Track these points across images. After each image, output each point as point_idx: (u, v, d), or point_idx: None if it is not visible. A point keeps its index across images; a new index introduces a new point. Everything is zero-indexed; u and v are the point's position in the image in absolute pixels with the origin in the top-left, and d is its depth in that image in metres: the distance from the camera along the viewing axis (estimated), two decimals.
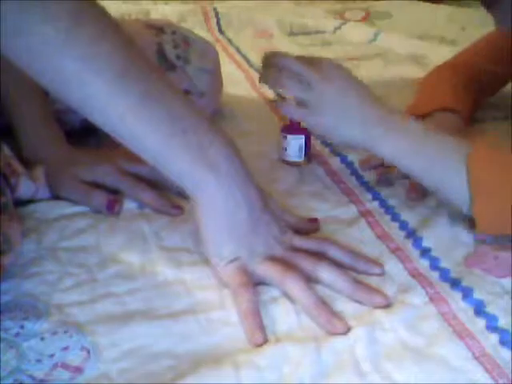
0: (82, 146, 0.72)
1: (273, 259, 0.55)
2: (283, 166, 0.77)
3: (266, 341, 0.49)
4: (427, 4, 1.52)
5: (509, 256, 0.58)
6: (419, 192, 0.67)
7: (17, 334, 0.49)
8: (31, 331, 0.50)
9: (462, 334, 0.49)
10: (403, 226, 0.64)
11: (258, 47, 1.27)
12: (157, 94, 0.53)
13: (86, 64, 0.50)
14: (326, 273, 0.54)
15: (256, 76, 1.03)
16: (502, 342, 0.48)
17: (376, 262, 0.57)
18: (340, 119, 0.64)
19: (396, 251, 0.60)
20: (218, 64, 0.88)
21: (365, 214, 0.66)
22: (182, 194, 0.60)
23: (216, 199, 0.54)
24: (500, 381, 0.45)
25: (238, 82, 1.07)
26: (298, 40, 1.33)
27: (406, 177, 0.69)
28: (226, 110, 0.93)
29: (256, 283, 0.54)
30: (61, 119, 0.74)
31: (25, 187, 0.64)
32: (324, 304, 0.51)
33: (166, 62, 0.81)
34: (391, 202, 0.68)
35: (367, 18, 1.45)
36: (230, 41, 1.32)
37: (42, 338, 0.49)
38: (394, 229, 0.64)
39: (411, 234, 0.62)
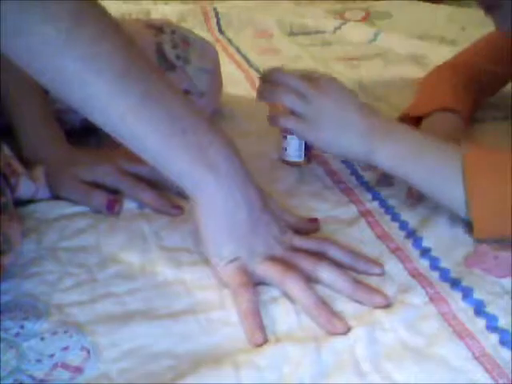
0: (82, 146, 0.72)
1: (273, 259, 0.55)
2: (283, 166, 0.77)
3: (266, 341, 0.49)
4: (427, 4, 1.52)
5: (509, 256, 0.58)
6: (416, 197, 0.67)
7: (17, 334, 0.49)
8: (31, 331, 0.50)
9: (461, 334, 0.49)
10: (403, 226, 0.64)
11: (258, 47, 1.27)
12: (157, 94, 0.53)
13: (87, 64, 0.50)
14: (325, 273, 0.54)
15: (256, 76, 1.03)
16: (502, 342, 0.48)
17: (376, 262, 0.57)
18: (339, 132, 0.65)
19: (396, 251, 0.60)
20: (217, 64, 0.88)
21: (365, 213, 0.66)
22: (182, 194, 0.60)
23: (216, 199, 0.54)
24: (500, 381, 0.45)
25: (238, 81, 1.07)
26: (298, 40, 1.33)
27: None
28: (226, 109, 0.93)
29: (256, 283, 0.54)
30: (61, 119, 0.74)
31: (25, 187, 0.64)
32: (324, 304, 0.51)
33: (166, 62, 0.81)
34: (391, 202, 0.68)
35: (367, 18, 1.45)
36: (229, 41, 1.31)
37: (42, 338, 0.49)
38: (393, 229, 0.64)
39: (411, 234, 0.62)
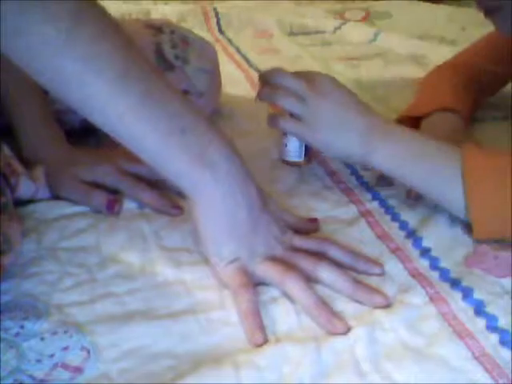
0: (81, 146, 0.72)
1: (273, 259, 0.55)
2: (283, 166, 0.77)
3: (266, 341, 0.49)
4: (427, 4, 1.52)
5: (509, 256, 0.58)
6: (415, 197, 0.67)
7: (17, 334, 0.49)
8: (31, 331, 0.50)
9: (461, 333, 0.49)
10: (403, 225, 0.64)
11: (258, 47, 1.27)
12: (156, 94, 0.53)
13: (86, 64, 0.50)
14: (325, 273, 0.54)
15: (256, 76, 1.03)
16: (502, 342, 0.48)
17: (376, 262, 0.57)
18: (336, 134, 0.65)
19: (396, 251, 0.60)
20: (216, 64, 0.88)
21: (365, 213, 0.66)
22: (182, 194, 0.60)
23: (215, 199, 0.54)
24: (500, 381, 0.45)
25: (238, 81, 1.07)
26: (298, 40, 1.33)
27: None
28: (226, 109, 0.93)
29: (256, 283, 0.54)
30: (61, 119, 0.73)
31: (25, 187, 0.64)
32: (324, 304, 0.51)
33: (165, 62, 0.81)
34: (391, 202, 0.68)
35: (367, 18, 1.45)
36: (229, 41, 1.31)
37: (42, 338, 0.49)
38: (393, 229, 0.64)
39: (411, 234, 0.62)
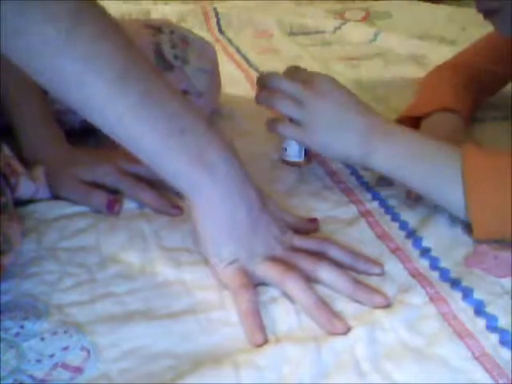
0: (81, 146, 0.72)
1: (273, 259, 0.55)
2: (283, 166, 0.77)
3: (266, 341, 0.49)
4: (427, 4, 1.52)
5: (509, 256, 0.58)
6: (414, 197, 0.67)
7: (17, 334, 0.49)
8: (31, 331, 0.50)
9: (461, 333, 0.49)
10: (403, 225, 0.64)
11: (258, 47, 1.27)
12: (156, 94, 0.53)
13: (86, 64, 0.50)
14: (325, 273, 0.54)
15: (256, 76, 1.03)
16: (502, 342, 0.48)
17: (376, 262, 0.57)
18: (335, 135, 0.64)
19: (396, 251, 0.60)
20: (216, 64, 0.88)
21: (365, 213, 0.66)
22: (181, 195, 0.60)
23: (214, 200, 0.54)
24: (500, 381, 0.45)
25: (238, 81, 1.07)
26: (298, 40, 1.33)
27: None
28: (226, 109, 0.93)
29: (256, 284, 0.54)
30: (61, 119, 0.73)
31: (25, 187, 0.64)
32: (324, 304, 0.51)
33: (164, 62, 0.81)
34: (391, 202, 0.68)
35: (367, 18, 1.45)
36: (229, 41, 1.31)
37: (42, 338, 0.49)
38: (393, 229, 0.64)
39: (411, 234, 0.62)
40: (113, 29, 0.52)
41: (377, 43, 1.31)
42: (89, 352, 0.48)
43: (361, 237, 0.62)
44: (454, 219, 0.63)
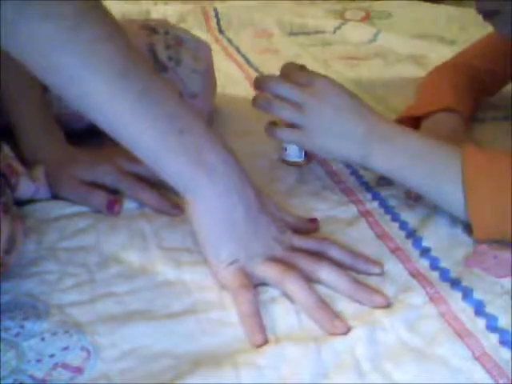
0: (81, 146, 0.72)
1: (272, 259, 0.55)
2: (283, 166, 0.77)
3: (266, 341, 0.49)
4: (427, 4, 1.52)
5: (509, 256, 0.58)
6: (414, 197, 0.67)
7: (17, 334, 0.49)
8: (31, 331, 0.50)
9: (461, 333, 0.49)
10: (403, 225, 0.64)
11: (257, 47, 1.27)
12: (155, 94, 0.53)
13: (87, 62, 0.50)
14: (325, 273, 0.54)
15: (255, 76, 1.03)
16: (502, 342, 0.48)
17: (376, 262, 0.57)
18: (336, 138, 0.64)
19: (396, 251, 0.60)
20: (211, 64, 0.87)
21: (365, 213, 0.66)
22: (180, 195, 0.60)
23: (212, 200, 0.54)
24: (500, 381, 0.45)
25: (238, 81, 1.07)
26: (298, 40, 1.33)
27: None
28: (226, 109, 0.93)
29: (256, 284, 0.54)
30: (61, 120, 0.73)
31: (25, 187, 0.64)
32: (324, 304, 0.51)
33: (158, 63, 0.80)
34: (391, 202, 0.68)
35: (367, 18, 1.45)
36: (229, 41, 1.32)
37: (42, 338, 0.49)
38: (393, 229, 0.64)
39: (411, 234, 0.62)
40: (115, 30, 0.52)
41: (377, 43, 1.31)
42: (89, 352, 0.48)
43: (361, 237, 0.62)
44: (454, 219, 0.63)
